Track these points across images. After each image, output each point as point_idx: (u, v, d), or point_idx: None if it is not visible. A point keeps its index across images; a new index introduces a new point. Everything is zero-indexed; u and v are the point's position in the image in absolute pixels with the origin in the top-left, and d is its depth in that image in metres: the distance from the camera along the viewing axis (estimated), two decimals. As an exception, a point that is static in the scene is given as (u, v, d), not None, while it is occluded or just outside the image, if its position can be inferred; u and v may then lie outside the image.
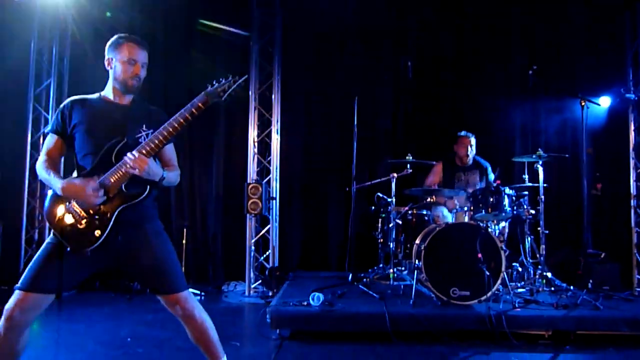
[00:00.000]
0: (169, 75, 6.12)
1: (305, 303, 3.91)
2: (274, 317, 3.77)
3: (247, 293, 5.58)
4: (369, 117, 6.08)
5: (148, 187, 2.23)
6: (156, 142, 2.18)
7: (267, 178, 5.95)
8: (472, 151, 5.12)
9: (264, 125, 6.01)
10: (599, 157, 5.99)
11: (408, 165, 4.61)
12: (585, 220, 4.80)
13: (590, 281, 4.53)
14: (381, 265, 5.07)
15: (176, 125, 2.17)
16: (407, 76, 5.01)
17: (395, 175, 4.67)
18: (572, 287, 4.40)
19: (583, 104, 4.71)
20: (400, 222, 4.73)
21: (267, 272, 5.67)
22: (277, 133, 6.01)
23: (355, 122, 4.90)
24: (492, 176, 5.10)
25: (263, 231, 5.90)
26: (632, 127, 5.83)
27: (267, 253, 5.91)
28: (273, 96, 6.00)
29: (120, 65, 2.27)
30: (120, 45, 2.28)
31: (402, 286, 4.42)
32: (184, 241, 5.73)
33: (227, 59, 6.22)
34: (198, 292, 5.39)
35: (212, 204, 6.28)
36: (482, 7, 6.04)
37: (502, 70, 6.15)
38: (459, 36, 6.16)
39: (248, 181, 5.71)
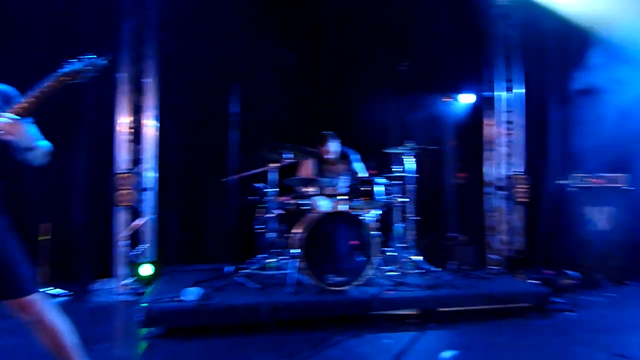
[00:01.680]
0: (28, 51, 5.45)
1: (180, 298, 3.76)
2: (146, 314, 3.58)
3: (118, 290, 5.22)
4: (251, 106, 5.97)
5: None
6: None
7: (141, 167, 5.58)
8: (334, 151, 5.29)
9: (138, 111, 5.62)
10: (463, 147, 6.56)
11: (287, 156, 4.62)
12: (448, 206, 5.22)
13: (453, 262, 4.96)
14: (262, 256, 5.04)
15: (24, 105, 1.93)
16: (289, 66, 5.02)
17: (275, 165, 4.66)
18: (437, 269, 4.78)
19: (447, 100, 5.13)
20: (280, 212, 4.74)
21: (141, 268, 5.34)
22: (154, 119, 5.66)
23: (236, 110, 4.79)
24: (359, 164, 5.32)
25: (136, 224, 5.55)
26: (488, 121, 6.47)
27: (141, 247, 5.57)
28: (147, 80, 5.63)
29: None
30: None
31: (282, 275, 4.44)
32: (43, 237, 5.17)
33: (94, 38, 5.69)
34: (63, 292, 4.92)
35: (78, 195, 5.72)
36: (361, 4, 6.25)
37: (378, 65, 6.39)
38: (339, 31, 6.30)
39: (117, 171, 5.31)
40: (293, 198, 4.79)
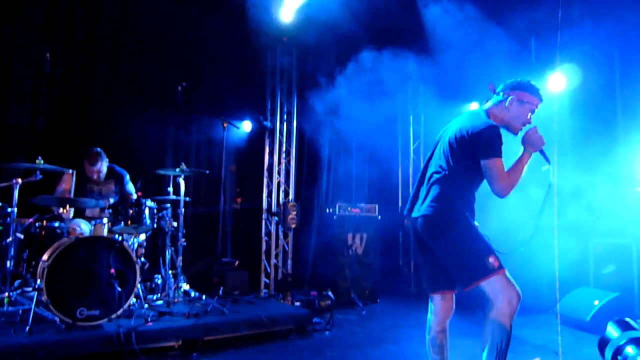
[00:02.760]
0: None
1: None
2: None
3: None
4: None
5: None
6: None
7: None
8: (100, 170, 4.77)
9: None
10: (241, 174, 6.67)
11: (37, 172, 3.98)
12: (221, 232, 5.19)
13: (222, 288, 4.91)
14: (-4, 289, 4.19)
15: None
16: (44, 69, 4.36)
17: (19, 180, 3.95)
18: (206, 296, 4.65)
19: (225, 125, 5.14)
20: (23, 236, 4.02)
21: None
22: None
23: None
24: (130, 185, 4.93)
25: None
26: (266, 150, 6.73)
27: None
28: None
29: None
30: None
31: (20, 312, 3.75)
32: None
33: None
34: None
35: None
36: (142, 17, 5.91)
37: (156, 82, 6.06)
38: (116, 38, 5.80)
39: None
40: (39, 220, 4.12)
